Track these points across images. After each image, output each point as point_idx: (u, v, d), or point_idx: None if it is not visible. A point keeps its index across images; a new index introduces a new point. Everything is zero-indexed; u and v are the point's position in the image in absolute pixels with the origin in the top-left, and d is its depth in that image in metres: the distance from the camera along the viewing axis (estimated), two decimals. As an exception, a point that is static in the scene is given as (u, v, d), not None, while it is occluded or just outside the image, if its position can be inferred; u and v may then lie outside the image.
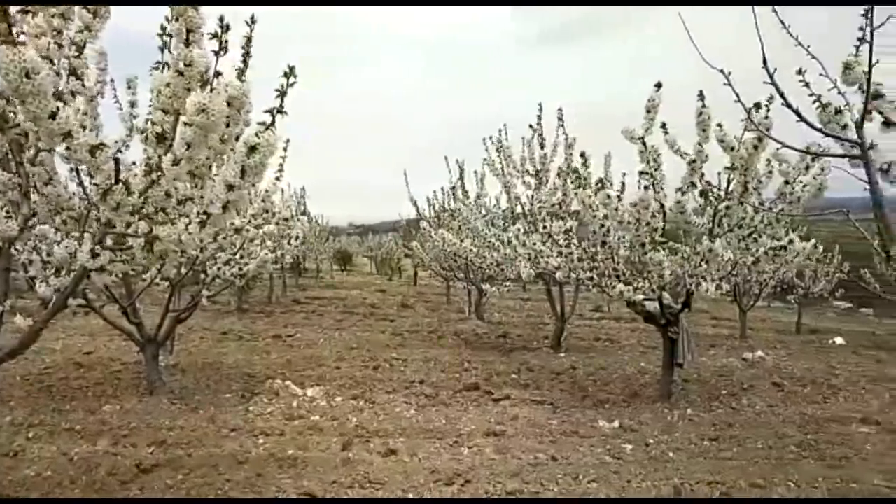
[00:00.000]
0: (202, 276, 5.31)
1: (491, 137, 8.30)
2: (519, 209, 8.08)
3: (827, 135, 2.75)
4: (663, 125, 4.84)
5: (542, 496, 3.66)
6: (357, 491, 3.70)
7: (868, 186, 2.58)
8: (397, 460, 4.19)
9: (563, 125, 7.12)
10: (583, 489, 3.77)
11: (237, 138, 2.13)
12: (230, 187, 1.86)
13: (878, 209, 2.61)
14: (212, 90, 1.79)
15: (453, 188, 10.35)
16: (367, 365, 6.99)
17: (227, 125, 2.04)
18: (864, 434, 5.00)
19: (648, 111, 4.58)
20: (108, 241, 2.32)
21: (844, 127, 2.84)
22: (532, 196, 7.79)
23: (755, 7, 2.58)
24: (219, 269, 5.06)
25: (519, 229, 7.29)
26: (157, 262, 4.53)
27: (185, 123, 1.80)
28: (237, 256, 5.09)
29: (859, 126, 2.64)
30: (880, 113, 2.80)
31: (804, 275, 11.80)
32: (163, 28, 2.01)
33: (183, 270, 5.18)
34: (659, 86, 4.52)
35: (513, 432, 4.81)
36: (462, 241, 9.25)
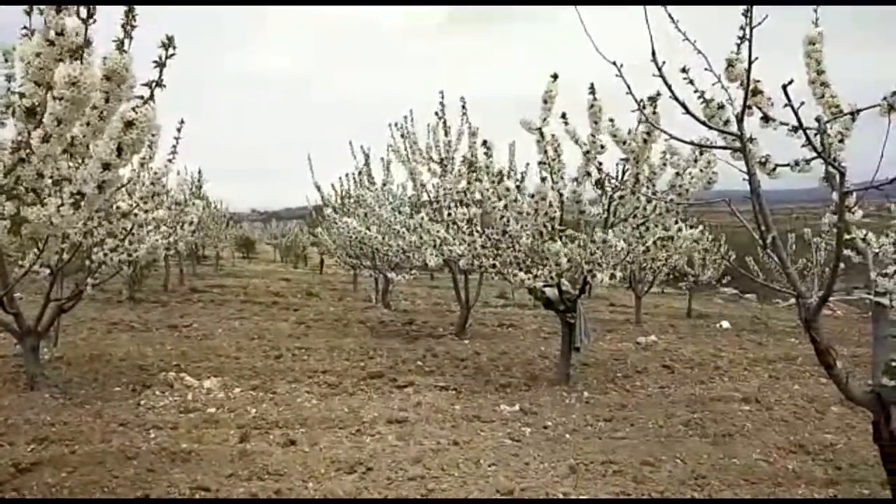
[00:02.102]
0: (87, 262, 5.00)
1: (396, 123, 8.25)
2: (425, 196, 8.07)
3: (710, 128, 2.88)
4: (563, 115, 4.94)
5: (443, 481, 3.69)
6: (255, 483, 3.60)
7: (746, 177, 2.73)
8: (297, 451, 4.12)
9: (465, 113, 7.17)
10: (483, 472, 3.83)
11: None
12: (106, 166, 1.74)
13: (755, 199, 2.77)
14: (82, 61, 1.66)
15: (359, 174, 10.21)
16: (268, 355, 6.82)
17: (107, 101, 1.91)
18: (744, 412, 5.34)
19: (545, 101, 4.66)
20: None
21: (727, 122, 3.00)
22: (437, 183, 7.80)
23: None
24: (105, 255, 4.77)
25: (423, 217, 7.29)
26: (32, 247, 4.24)
27: (55, 98, 1.67)
28: (125, 242, 4.81)
29: (739, 120, 2.79)
30: (759, 108, 2.97)
31: (694, 263, 12.45)
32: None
33: (65, 256, 4.86)
34: (555, 76, 4.61)
35: (416, 419, 4.83)
36: (368, 228, 9.15)
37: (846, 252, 3.58)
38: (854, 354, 7.86)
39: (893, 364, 2.96)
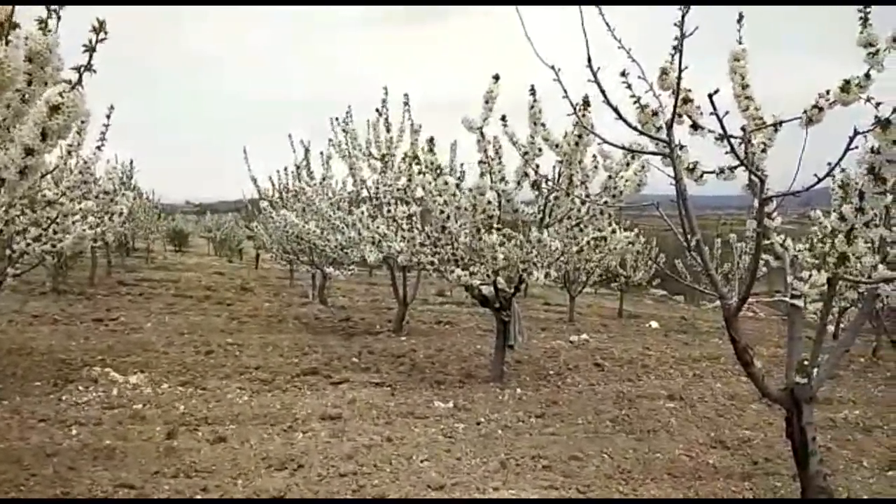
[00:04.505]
0: (8, 251, 4.77)
1: (337, 118, 8.17)
2: (365, 193, 8.03)
3: (642, 133, 2.98)
4: (503, 117, 5.00)
5: (375, 477, 3.69)
6: (182, 480, 3.53)
7: (674, 182, 2.85)
8: (227, 447, 4.05)
9: (408, 110, 7.15)
10: (415, 468, 3.86)
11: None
12: (29, 151, 1.67)
13: (682, 202, 2.89)
14: (7, 43, 1.60)
15: (298, 168, 10.08)
16: (198, 350, 6.66)
17: (30, 83, 1.84)
18: (669, 409, 5.53)
19: (486, 102, 4.71)
20: None
21: (659, 128, 3.10)
22: (377, 180, 7.76)
23: (582, 7, 2.73)
24: (27, 244, 4.57)
25: (363, 212, 7.26)
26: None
27: (-26, 78, 1.59)
28: (49, 231, 4.62)
29: (669, 127, 2.89)
30: (689, 117, 3.09)
31: (626, 264, 12.80)
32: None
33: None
34: (497, 78, 4.67)
35: (349, 415, 4.81)
36: (306, 222, 9.04)
37: (768, 257, 3.76)
38: (773, 355, 8.24)
39: (805, 363, 3.13)
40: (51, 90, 1.71)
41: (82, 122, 4.17)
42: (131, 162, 13.76)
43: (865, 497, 3.82)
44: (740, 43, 2.98)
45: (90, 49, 1.71)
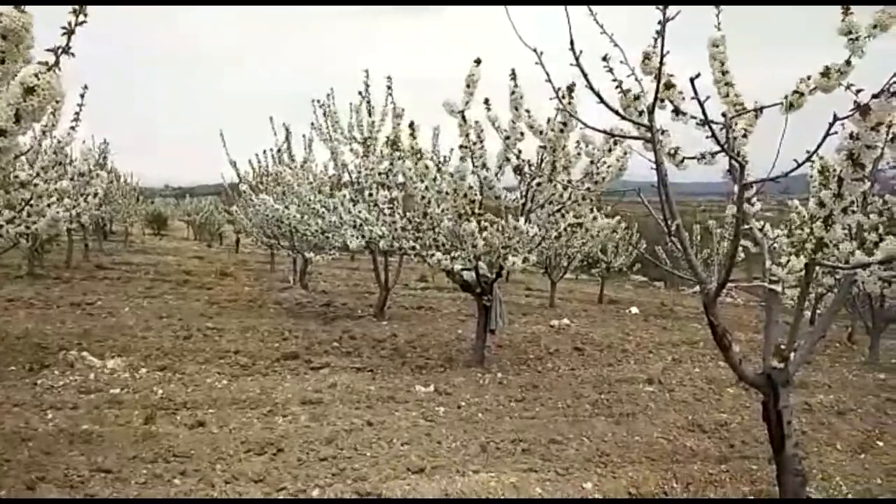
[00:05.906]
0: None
1: (318, 101, 8.09)
2: (347, 177, 7.98)
3: (623, 118, 2.98)
4: (486, 101, 4.98)
5: (356, 460, 3.69)
6: (160, 465, 3.50)
7: (654, 166, 2.85)
8: (205, 432, 4.03)
9: (391, 94, 7.09)
10: (395, 452, 3.86)
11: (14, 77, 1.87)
12: (1, 132, 1.62)
13: (661, 187, 2.89)
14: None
15: (279, 151, 9.98)
16: (177, 335, 6.59)
17: (3, 62, 1.79)
18: (648, 393, 5.59)
19: (468, 86, 4.66)
20: None
21: (641, 113, 3.10)
22: (359, 164, 7.71)
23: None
24: (0, 226, 4.47)
25: (345, 195, 7.21)
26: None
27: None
28: (23, 214, 4.52)
29: (651, 111, 2.89)
30: (671, 102, 3.09)
31: (607, 250, 12.87)
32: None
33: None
34: (478, 62, 4.63)
35: (330, 399, 4.81)
36: (286, 206, 8.96)
37: (747, 243, 3.78)
38: (751, 340, 8.35)
39: (782, 347, 3.16)
40: (26, 70, 1.66)
41: (56, 101, 4.08)
42: (105, 142, 13.52)
43: (839, 479, 3.89)
44: (719, 29, 2.98)
45: (69, 32, 1.66)
